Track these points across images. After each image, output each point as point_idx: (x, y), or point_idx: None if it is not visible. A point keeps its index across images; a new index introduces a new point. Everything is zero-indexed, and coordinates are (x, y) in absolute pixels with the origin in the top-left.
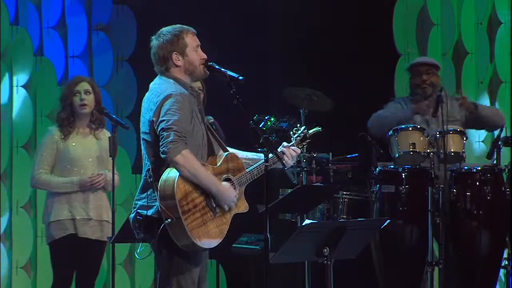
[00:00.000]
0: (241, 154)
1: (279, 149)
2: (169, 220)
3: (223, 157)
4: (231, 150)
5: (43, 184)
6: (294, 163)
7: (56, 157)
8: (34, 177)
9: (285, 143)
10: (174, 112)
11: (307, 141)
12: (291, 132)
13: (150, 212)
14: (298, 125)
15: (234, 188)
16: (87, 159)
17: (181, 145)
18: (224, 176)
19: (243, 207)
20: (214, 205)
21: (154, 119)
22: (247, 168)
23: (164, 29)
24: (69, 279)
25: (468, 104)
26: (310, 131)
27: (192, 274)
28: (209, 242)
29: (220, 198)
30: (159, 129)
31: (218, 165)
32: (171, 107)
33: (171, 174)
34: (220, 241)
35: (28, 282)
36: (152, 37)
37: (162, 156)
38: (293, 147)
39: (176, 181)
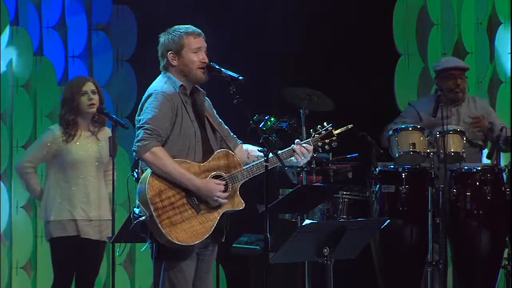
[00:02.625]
0: (256, 153)
1: (291, 146)
2: (143, 217)
3: (214, 154)
4: (245, 146)
5: (24, 176)
6: (307, 160)
7: (57, 159)
8: (22, 165)
9: (298, 140)
10: (150, 110)
11: (333, 138)
12: (312, 130)
13: (138, 211)
14: (325, 123)
15: (226, 185)
16: (89, 160)
17: (150, 142)
18: (214, 173)
19: (236, 204)
20: (197, 202)
21: (137, 118)
22: (246, 166)
23: (171, 28)
24: (70, 277)
25: (483, 127)
26: (339, 130)
27: (184, 271)
28: (189, 239)
29: (199, 193)
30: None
31: (206, 162)
32: (149, 105)
33: (147, 171)
34: (204, 239)
35: (28, 282)
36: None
37: (133, 154)
38: (304, 144)
39: (148, 179)
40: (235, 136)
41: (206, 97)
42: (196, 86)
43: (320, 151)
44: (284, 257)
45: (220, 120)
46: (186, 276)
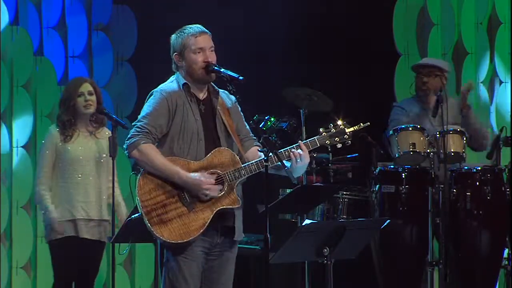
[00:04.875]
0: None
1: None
2: (134, 216)
3: (211, 152)
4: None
5: (39, 197)
6: (304, 165)
7: (56, 159)
8: (37, 186)
9: (300, 142)
10: (145, 108)
11: (345, 136)
12: (320, 129)
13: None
14: (339, 121)
15: (221, 182)
16: (88, 159)
17: (138, 139)
18: (211, 170)
19: (232, 201)
20: (189, 200)
21: None
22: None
23: (181, 28)
24: (70, 277)
25: (465, 103)
26: (352, 128)
27: (183, 270)
28: (178, 237)
29: (188, 187)
30: None
31: (202, 160)
32: (146, 104)
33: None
34: (196, 236)
35: (28, 282)
36: None
37: (125, 152)
38: (293, 149)
39: (138, 177)
40: (254, 138)
41: (230, 96)
42: (212, 84)
43: (330, 149)
44: (284, 257)
45: (242, 119)
46: (186, 275)
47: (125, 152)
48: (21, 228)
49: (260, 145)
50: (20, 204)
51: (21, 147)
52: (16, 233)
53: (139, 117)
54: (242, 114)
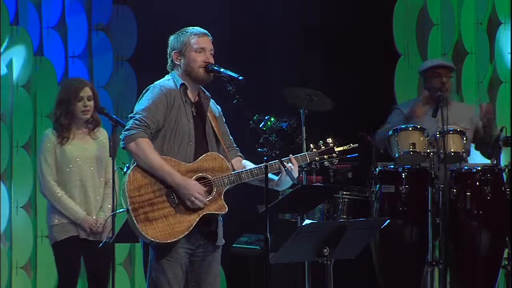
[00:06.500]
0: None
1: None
2: (120, 210)
3: (202, 156)
4: (244, 162)
5: (54, 197)
6: (294, 179)
7: (55, 161)
8: (47, 185)
9: (291, 155)
10: (144, 101)
11: (333, 155)
12: (311, 144)
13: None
14: (329, 139)
15: (211, 187)
16: (86, 160)
17: (137, 132)
18: (200, 174)
19: (218, 207)
20: (177, 201)
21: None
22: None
23: (180, 29)
24: (74, 279)
25: (489, 116)
26: (341, 148)
27: (166, 272)
28: (163, 237)
29: (178, 190)
30: None
31: (193, 163)
32: (144, 97)
33: (131, 166)
34: (180, 238)
35: (28, 282)
36: None
37: (121, 144)
38: (285, 162)
39: (129, 172)
40: (237, 148)
41: (217, 105)
42: (203, 89)
43: (318, 166)
44: (284, 257)
45: (227, 129)
46: (169, 276)
47: (121, 142)
48: (21, 228)
49: (242, 155)
50: (20, 204)
51: (21, 147)
52: (16, 233)
53: (136, 109)
54: (226, 125)
